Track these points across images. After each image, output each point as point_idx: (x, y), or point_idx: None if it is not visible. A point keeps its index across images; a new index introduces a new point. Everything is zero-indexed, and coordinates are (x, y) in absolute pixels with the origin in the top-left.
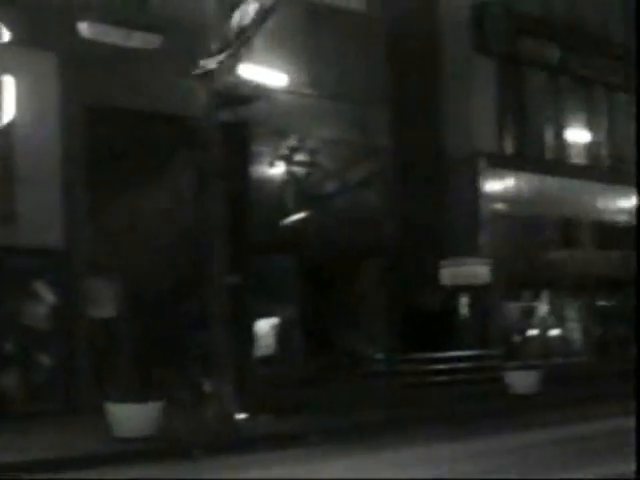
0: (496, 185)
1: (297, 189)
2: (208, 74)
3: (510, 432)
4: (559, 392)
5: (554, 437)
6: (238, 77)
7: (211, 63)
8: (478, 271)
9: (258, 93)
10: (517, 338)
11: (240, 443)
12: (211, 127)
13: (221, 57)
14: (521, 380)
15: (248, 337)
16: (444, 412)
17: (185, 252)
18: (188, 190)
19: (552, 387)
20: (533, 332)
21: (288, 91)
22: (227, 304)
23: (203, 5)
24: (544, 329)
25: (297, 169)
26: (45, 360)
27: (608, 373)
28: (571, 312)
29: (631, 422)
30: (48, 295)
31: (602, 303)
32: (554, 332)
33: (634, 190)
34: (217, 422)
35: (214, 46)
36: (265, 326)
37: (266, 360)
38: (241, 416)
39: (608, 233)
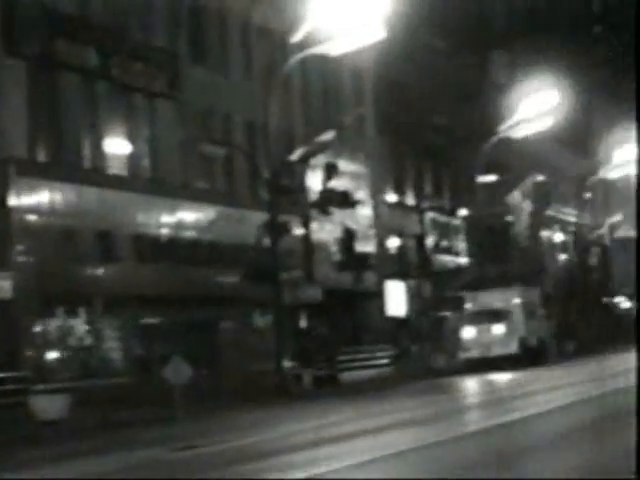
0: (27, 194)
1: None
2: None
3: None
4: (91, 417)
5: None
6: None
7: None
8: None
9: None
10: (49, 358)
11: None
12: None
13: None
14: (48, 405)
15: None
16: None
17: None
18: None
19: (85, 411)
20: (67, 352)
21: None
22: None
23: None
24: (80, 349)
25: None
26: None
27: (149, 394)
28: (110, 330)
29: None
30: None
31: (145, 320)
32: (91, 352)
33: (178, 202)
34: None
35: None
36: None
37: None
38: None
39: (150, 247)
